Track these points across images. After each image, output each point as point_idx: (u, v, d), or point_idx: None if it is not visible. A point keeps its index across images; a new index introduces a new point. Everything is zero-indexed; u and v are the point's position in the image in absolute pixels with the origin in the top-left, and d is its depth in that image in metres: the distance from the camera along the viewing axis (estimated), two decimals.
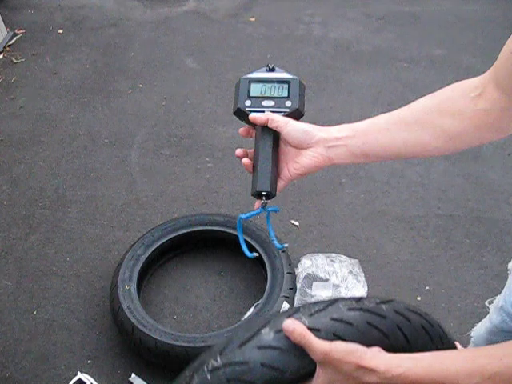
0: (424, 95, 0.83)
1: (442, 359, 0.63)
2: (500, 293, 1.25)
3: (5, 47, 3.40)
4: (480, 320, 1.44)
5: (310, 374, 0.67)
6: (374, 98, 2.85)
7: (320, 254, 2.00)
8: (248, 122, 0.88)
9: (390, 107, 2.75)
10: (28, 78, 3.15)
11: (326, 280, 1.91)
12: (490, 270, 1.98)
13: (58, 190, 2.41)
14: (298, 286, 1.86)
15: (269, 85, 0.88)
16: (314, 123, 0.84)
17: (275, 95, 0.87)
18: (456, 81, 0.81)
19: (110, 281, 1.88)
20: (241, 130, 0.90)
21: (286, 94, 0.87)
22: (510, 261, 1.24)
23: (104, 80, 3.10)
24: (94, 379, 1.68)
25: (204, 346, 1.60)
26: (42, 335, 1.85)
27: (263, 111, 0.86)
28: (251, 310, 1.84)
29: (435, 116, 0.79)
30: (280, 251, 1.86)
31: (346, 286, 1.89)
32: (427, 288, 1.94)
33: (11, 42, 3.46)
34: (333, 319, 0.67)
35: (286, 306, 1.72)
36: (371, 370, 0.62)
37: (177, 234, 1.97)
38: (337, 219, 2.21)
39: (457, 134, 0.78)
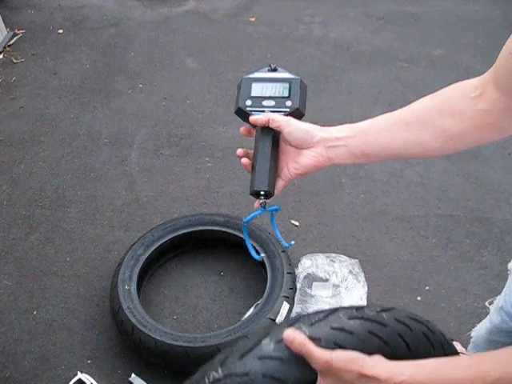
0: (424, 95, 0.83)
1: (445, 365, 0.63)
2: (500, 293, 1.25)
3: (5, 47, 3.40)
4: (480, 320, 1.44)
5: (312, 383, 0.66)
6: (374, 98, 2.85)
7: (320, 254, 2.00)
8: (248, 121, 0.88)
9: (390, 107, 2.75)
10: (28, 78, 3.15)
11: (326, 280, 1.91)
12: (490, 269, 1.98)
13: (57, 190, 2.41)
14: (298, 285, 1.86)
15: (270, 85, 0.88)
16: (314, 123, 0.85)
17: (276, 95, 0.87)
18: (456, 81, 0.81)
19: (110, 281, 1.88)
20: (242, 129, 0.90)
21: (286, 94, 0.87)
22: (509, 261, 1.24)
23: (104, 80, 3.10)
24: (94, 379, 1.68)
25: (204, 346, 1.60)
26: (42, 335, 1.85)
27: (263, 111, 0.86)
28: (251, 309, 1.84)
29: (436, 116, 0.79)
30: (280, 251, 1.86)
31: (345, 285, 1.89)
32: (427, 288, 1.94)
33: (11, 42, 3.46)
34: (333, 328, 0.67)
35: (285, 306, 1.72)
36: (373, 378, 0.61)
37: (177, 234, 1.97)
38: (337, 219, 2.21)
39: (457, 134, 0.78)
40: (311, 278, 1.91)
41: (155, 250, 1.93)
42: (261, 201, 0.83)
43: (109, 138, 2.69)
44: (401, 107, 0.84)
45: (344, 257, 1.99)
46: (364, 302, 1.84)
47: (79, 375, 1.69)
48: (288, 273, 1.80)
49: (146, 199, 2.34)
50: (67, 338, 1.83)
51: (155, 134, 2.70)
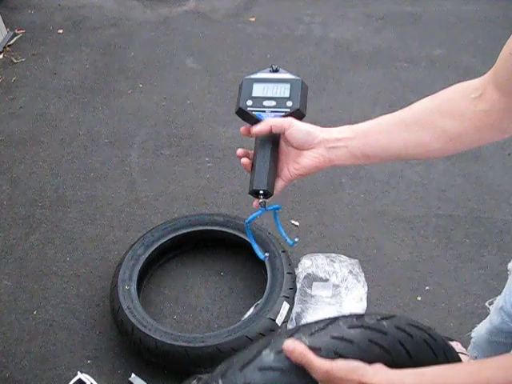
0: (424, 95, 0.83)
1: (446, 373, 0.63)
2: (500, 293, 1.25)
3: (5, 47, 3.40)
4: (480, 320, 1.44)
5: None
6: (374, 98, 2.85)
7: (320, 254, 2.00)
8: (250, 121, 0.88)
9: (390, 107, 2.75)
10: (28, 77, 3.15)
11: (326, 280, 1.91)
12: (490, 270, 1.98)
13: (58, 190, 2.41)
14: (298, 285, 1.86)
15: (271, 85, 0.88)
16: (314, 123, 0.84)
17: (277, 95, 0.87)
18: (456, 81, 0.81)
19: (110, 281, 1.88)
20: (242, 129, 0.90)
21: (287, 95, 0.87)
22: (509, 261, 1.24)
23: (104, 80, 3.10)
24: (94, 379, 1.68)
25: (204, 346, 1.60)
26: (42, 335, 1.85)
27: (264, 111, 0.86)
28: (251, 309, 1.84)
29: (436, 117, 0.79)
30: (280, 251, 1.86)
31: (345, 285, 1.89)
32: (427, 288, 1.94)
33: (11, 42, 3.46)
34: (333, 337, 0.66)
35: (285, 306, 1.72)
36: None
37: (177, 233, 1.97)
38: (337, 219, 2.21)
39: (457, 135, 0.78)
40: (311, 278, 1.91)
41: (155, 250, 1.93)
42: (260, 200, 0.83)
43: (109, 137, 2.69)
44: (401, 107, 0.84)
45: (344, 257, 1.99)
46: (364, 302, 1.84)
47: (79, 375, 1.69)
48: (288, 273, 1.81)
49: (146, 199, 2.34)
50: (67, 338, 1.83)
51: (155, 134, 2.70)
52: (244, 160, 0.86)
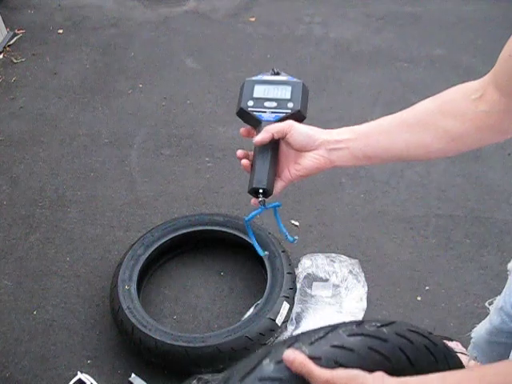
0: (424, 95, 0.83)
1: (448, 380, 0.62)
2: (500, 293, 1.25)
3: (5, 47, 3.39)
4: (480, 320, 1.44)
5: None
6: (374, 98, 2.85)
7: (320, 254, 2.00)
8: (250, 122, 0.88)
9: (390, 107, 2.75)
10: (28, 77, 3.15)
11: (326, 280, 1.91)
12: (490, 270, 1.98)
13: (57, 190, 2.41)
14: (298, 285, 1.87)
15: (272, 87, 0.89)
16: (314, 123, 0.84)
17: (278, 97, 0.87)
18: (456, 81, 0.81)
19: (110, 281, 1.88)
20: (242, 130, 0.90)
21: (288, 96, 0.87)
22: (509, 261, 1.24)
23: (104, 80, 3.10)
24: (94, 379, 1.68)
25: (204, 346, 1.60)
26: (42, 335, 1.85)
27: (265, 112, 0.86)
28: (251, 309, 1.84)
29: (437, 117, 0.79)
30: (280, 251, 1.86)
31: (345, 286, 1.89)
32: (427, 288, 1.94)
33: (11, 42, 3.46)
34: (333, 346, 0.66)
35: (285, 306, 1.72)
36: None
37: (177, 233, 1.97)
38: (337, 219, 2.21)
39: (458, 136, 0.78)
40: (311, 278, 1.91)
41: (155, 250, 1.93)
42: (259, 199, 0.83)
43: (109, 138, 2.69)
44: (401, 107, 0.84)
45: (344, 257, 1.99)
46: (364, 302, 1.84)
47: (79, 375, 1.69)
48: (288, 273, 1.81)
49: (146, 199, 2.34)
50: (67, 338, 1.83)
51: (155, 134, 2.70)
52: (244, 161, 0.86)
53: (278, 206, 0.87)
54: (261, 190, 0.82)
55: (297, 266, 1.95)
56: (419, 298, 1.91)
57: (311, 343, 0.66)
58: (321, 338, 0.67)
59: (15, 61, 3.29)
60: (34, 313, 1.92)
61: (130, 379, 1.69)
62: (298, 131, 0.82)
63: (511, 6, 3.60)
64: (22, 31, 3.59)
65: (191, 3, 3.85)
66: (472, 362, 1.50)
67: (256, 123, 0.87)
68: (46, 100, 2.96)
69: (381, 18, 3.58)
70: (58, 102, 2.94)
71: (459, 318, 1.83)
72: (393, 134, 0.81)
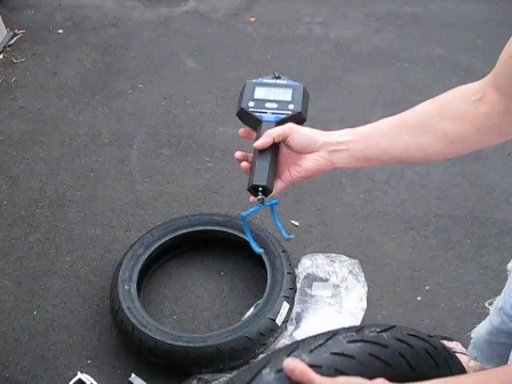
0: (424, 95, 0.83)
1: None
2: (500, 293, 1.25)
3: (5, 47, 3.39)
4: (480, 320, 1.44)
5: None
6: (374, 98, 2.85)
7: (320, 254, 2.00)
8: (249, 123, 0.89)
9: (390, 107, 2.76)
10: (28, 77, 3.15)
11: (326, 280, 1.91)
12: (490, 270, 1.98)
13: (57, 190, 2.41)
14: (298, 286, 1.87)
15: (273, 89, 0.89)
16: (314, 123, 0.85)
17: (278, 99, 0.88)
18: (456, 81, 0.81)
19: (110, 281, 1.88)
20: (240, 130, 0.90)
21: (289, 99, 0.88)
22: (509, 261, 1.24)
23: (104, 80, 3.10)
24: (94, 379, 1.68)
25: (204, 346, 1.60)
26: (42, 335, 1.85)
27: (266, 112, 0.86)
28: (251, 310, 1.84)
29: (436, 119, 0.79)
30: (280, 251, 1.86)
31: (345, 286, 1.89)
32: (427, 288, 1.94)
33: (11, 42, 3.46)
34: (333, 354, 0.66)
35: (285, 306, 1.72)
36: None
37: (177, 233, 1.97)
38: (337, 219, 2.21)
39: (458, 138, 0.78)
40: (311, 278, 1.91)
41: (155, 249, 1.93)
42: (259, 197, 0.83)
43: (109, 137, 2.69)
44: (401, 107, 0.84)
45: (344, 257, 1.99)
46: (364, 302, 1.84)
47: (79, 375, 1.69)
48: (288, 273, 1.81)
49: (146, 199, 2.34)
50: (67, 338, 1.83)
51: (155, 134, 2.70)
52: (244, 164, 0.86)
53: (277, 203, 0.87)
54: (260, 188, 0.82)
55: (297, 266, 1.95)
56: (419, 298, 1.91)
57: (311, 351, 0.66)
58: (321, 345, 0.67)
59: (15, 61, 3.29)
60: (34, 313, 1.92)
61: (130, 379, 1.69)
62: (298, 134, 0.81)
63: (511, 5, 3.60)
64: (21, 31, 3.59)
65: (191, 3, 3.85)
66: (472, 362, 1.51)
67: (256, 124, 0.87)
68: (46, 100, 2.96)
69: (381, 17, 3.58)
70: (57, 102, 2.94)
71: (459, 318, 1.83)
72: (392, 136, 0.81)
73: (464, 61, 3.10)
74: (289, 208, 2.25)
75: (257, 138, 0.85)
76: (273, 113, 0.86)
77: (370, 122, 0.86)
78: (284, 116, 0.86)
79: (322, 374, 0.63)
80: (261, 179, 0.82)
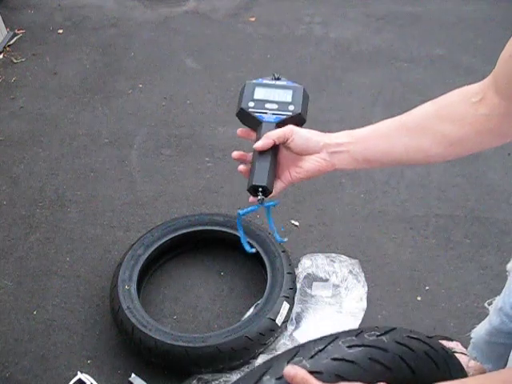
0: (424, 95, 0.83)
1: None
2: (500, 294, 1.25)
3: (5, 47, 3.39)
4: (480, 320, 1.45)
5: None
6: (374, 98, 2.85)
7: (320, 254, 2.00)
8: (249, 124, 0.88)
9: (390, 107, 2.75)
10: (28, 77, 3.15)
11: (326, 280, 1.91)
12: (490, 270, 1.98)
13: (57, 190, 2.41)
14: (298, 286, 1.87)
15: (273, 89, 0.89)
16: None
17: (279, 99, 0.88)
18: (456, 81, 0.81)
19: (110, 281, 1.88)
20: (239, 130, 0.89)
21: (289, 100, 0.87)
22: (509, 261, 1.24)
23: (104, 80, 3.10)
24: (94, 379, 1.68)
25: (204, 346, 1.60)
26: (42, 335, 1.85)
27: (266, 113, 0.86)
28: (251, 310, 1.84)
29: (435, 122, 0.79)
30: (280, 251, 1.86)
31: (345, 286, 1.89)
32: (427, 288, 1.94)
33: (11, 42, 3.46)
34: (334, 359, 0.65)
35: (285, 306, 1.72)
36: None
37: (177, 233, 1.97)
38: (337, 219, 2.21)
39: (457, 140, 0.78)
40: (311, 278, 1.91)
41: (155, 249, 1.93)
42: (258, 197, 0.83)
43: (109, 137, 2.69)
44: (401, 107, 0.84)
45: (344, 257, 1.99)
46: (364, 302, 1.84)
47: (79, 375, 1.69)
48: (288, 273, 1.81)
49: (146, 199, 2.34)
50: (67, 338, 1.83)
51: (155, 134, 2.70)
52: (241, 167, 0.86)
53: (275, 204, 0.87)
54: (260, 189, 0.82)
55: (297, 266, 1.95)
56: (419, 298, 1.91)
57: (311, 357, 0.66)
58: (321, 350, 0.66)
59: (15, 61, 3.29)
60: (34, 313, 1.92)
61: (130, 379, 1.69)
62: (298, 136, 0.81)
63: (511, 6, 3.60)
64: (22, 31, 3.59)
65: (191, 3, 3.85)
66: (472, 363, 1.51)
67: (256, 124, 0.87)
68: (46, 100, 2.96)
69: (381, 17, 3.58)
70: (57, 102, 2.94)
71: (459, 318, 1.83)
72: (392, 137, 0.81)
73: (464, 61, 3.10)
74: (289, 208, 2.25)
75: (257, 139, 0.85)
76: (273, 113, 0.86)
77: (370, 121, 0.86)
78: (284, 117, 0.86)
79: (322, 380, 0.62)
80: (261, 180, 0.82)
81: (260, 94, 0.88)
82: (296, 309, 1.81)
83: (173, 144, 2.63)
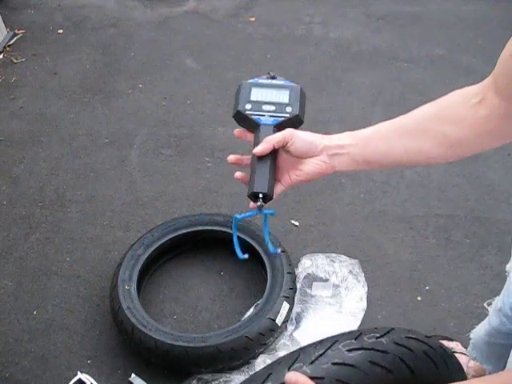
0: (424, 95, 0.83)
1: None
2: (499, 294, 1.25)
3: (5, 47, 3.39)
4: (480, 321, 1.45)
5: None
6: (373, 98, 2.85)
7: (320, 254, 2.00)
8: (247, 125, 0.88)
9: (390, 107, 2.75)
10: (28, 77, 3.15)
11: (326, 280, 1.91)
12: (490, 270, 1.98)
13: (57, 190, 2.41)
14: (298, 286, 1.87)
15: (270, 90, 0.88)
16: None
17: (276, 101, 0.86)
18: (456, 81, 0.81)
19: (110, 281, 1.88)
20: (236, 131, 0.88)
21: (286, 101, 0.86)
22: (509, 261, 1.24)
23: (104, 80, 3.10)
24: (94, 379, 1.68)
25: (204, 346, 1.60)
26: (42, 335, 1.85)
27: (263, 115, 0.85)
28: (251, 310, 1.84)
29: (435, 123, 0.79)
30: (280, 251, 1.86)
31: (345, 285, 1.89)
32: (427, 288, 1.94)
33: (11, 42, 3.46)
34: (334, 364, 0.65)
35: (285, 306, 1.72)
36: None
37: (177, 233, 1.97)
38: (337, 219, 2.21)
39: (457, 141, 0.78)
40: (311, 278, 1.91)
41: (155, 249, 1.93)
42: (258, 203, 0.82)
43: (109, 137, 2.69)
44: (401, 107, 0.84)
45: (344, 257, 1.99)
46: (364, 302, 1.84)
47: (79, 375, 1.69)
48: (288, 273, 1.81)
49: (146, 199, 2.34)
50: (67, 338, 1.83)
51: (155, 134, 2.70)
52: (238, 174, 0.84)
53: (273, 213, 0.86)
54: (261, 195, 0.81)
55: (297, 266, 1.95)
56: (419, 298, 1.91)
57: (312, 362, 0.66)
58: (321, 355, 0.66)
59: (15, 61, 3.29)
60: (34, 313, 1.92)
61: (130, 379, 1.69)
62: (298, 139, 0.80)
63: (511, 6, 3.60)
64: (22, 31, 3.59)
65: (191, 3, 3.85)
66: (472, 363, 1.51)
67: (254, 126, 0.86)
68: (46, 100, 2.96)
69: (381, 17, 3.58)
70: (57, 102, 2.94)
71: (459, 318, 1.83)
72: (392, 139, 0.81)
73: (464, 61, 3.10)
74: (289, 208, 2.25)
75: (255, 143, 0.84)
76: (270, 115, 0.85)
77: (369, 122, 0.86)
78: (282, 119, 0.85)
79: None
80: (261, 186, 0.80)
81: (257, 95, 0.87)
82: (296, 309, 1.81)
83: (173, 144, 2.63)
